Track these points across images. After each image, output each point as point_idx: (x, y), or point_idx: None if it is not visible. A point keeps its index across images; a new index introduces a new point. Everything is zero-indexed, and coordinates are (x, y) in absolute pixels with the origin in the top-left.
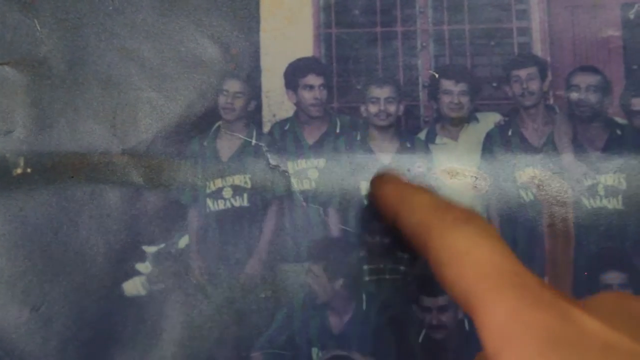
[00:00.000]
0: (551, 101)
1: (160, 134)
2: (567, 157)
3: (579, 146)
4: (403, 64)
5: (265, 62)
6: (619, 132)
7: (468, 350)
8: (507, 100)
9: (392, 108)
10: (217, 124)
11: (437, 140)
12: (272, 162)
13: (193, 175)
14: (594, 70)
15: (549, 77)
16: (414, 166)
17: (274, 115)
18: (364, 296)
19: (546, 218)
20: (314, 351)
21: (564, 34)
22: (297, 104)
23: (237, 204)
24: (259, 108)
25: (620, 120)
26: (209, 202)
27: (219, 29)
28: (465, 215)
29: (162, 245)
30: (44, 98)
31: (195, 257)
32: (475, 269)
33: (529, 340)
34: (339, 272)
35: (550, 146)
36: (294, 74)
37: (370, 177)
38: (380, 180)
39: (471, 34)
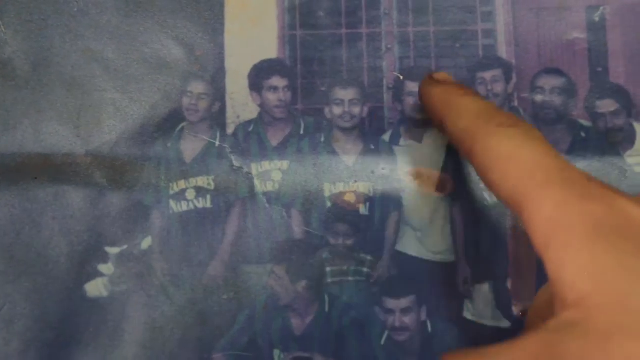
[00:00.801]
0: (516, 103)
1: (124, 135)
2: None
3: None
4: (368, 65)
5: (229, 63)
6: (583, 134)
7: (430, 352)
8: None
9: (356, 110)
10: (181, 125)
11: (402, 142)
12: (236, 163)
13: (156, 177)
14: (558, 72)
15: (514, 80)
16: (378, 168)
17: (238, 117)
18: (326, 298)
19: (510, 220)
20: (276, 353)
21: (529, 37)
22: (262, 105)
23: (200, 205)
24: (223, 109)
25: (584, 122)
26: (172, 203)
27: (183, 30)
28: (510, 120)
29: (125, 247)
30: (7, 99)
31: (157, 258)
32: (520, 169)
33: (576, 228)
34: (302, 273)
35: None
36: (259, 75)
37: (334, 178)
38: (428, 81)
39: (436, 36)
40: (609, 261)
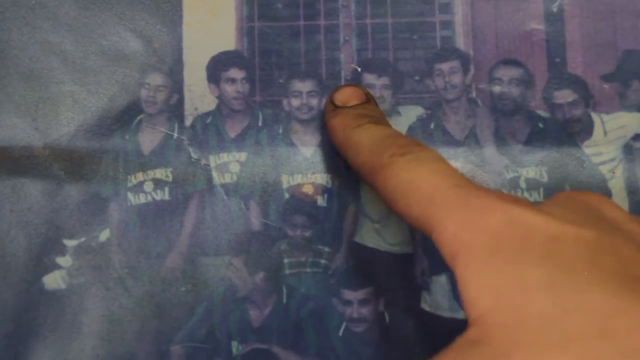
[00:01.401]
0: (473, 94)
1: (82, 127)
2: (489, 150)
3: (501, 139)
4: (325, 57)
5: (187, 55)
6: (541, 125)
7: (388, 343)
8: (429, 94)
9: (314, 101)
10: (139, 118)
11: None
12: (194, 155)
13: (114, 169)
14: (516, 63)
15: (472, 71)
16: (336, 159)
17: (196, 109)
18: (284, 289)
19: None
20: (234, 344)
21: (486, 27)
22: (220, 97)
23: (158, 197)
24: (181, 101)
25: (542, 113)
26: (130, 195)
27: (141, 22)
28: (402, 149)
29: (83, 239)
30: None
31: (115, 250)
32: (419, 196)
33: (476, 245)
34: (260, 265)
35: (472, 139)
36: (217, 67)
37: (292, 170)
38: (329, 108)
39: (394, 28)
40: (507, 276)
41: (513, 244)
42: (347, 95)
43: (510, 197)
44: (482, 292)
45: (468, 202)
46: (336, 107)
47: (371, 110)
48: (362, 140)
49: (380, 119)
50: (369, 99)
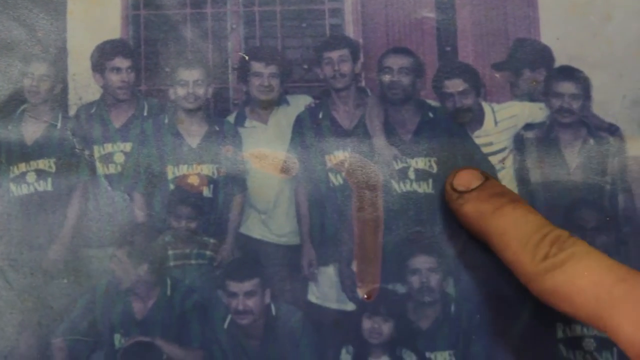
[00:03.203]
0: (363, 83)
1: None
2: (378, 141)
3: (390, 129)
4: (212, 46)
5: (71, 44)
6: (431, 114)
7: (274, 336)
8: (318, 83)
9: (200, 91)
10: (22, 108)
11: (247, 123)
12: (78, 146)
13: None
14: (406, 52)
15: (361, 59)
16: (222, 150)
17: (80, 99)
18: (168, 281)
19: (355, 202)
20: (117, 337)
21: (376, 15)
22: (104, 86)
23: (40, 188)
24: (65, 91)
25: (432, 102)
26: (12, 186)
27: (24, 11)
28: (553, 248)
29: None
30: None
31: None
32: (583, 299)
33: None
34: (144, 257)
35: (361, 129)
36: (101, 56)
37: (177, 161)
38: (453, 196)
39: (282, 16)
40: None
41: None
42: (466, 179)
43: None
44: None
45: (638, 298)
46: (460, 193)
47: (499, 186)
48: (508, 231)
49: (514, 195)
50: (487, 177)
